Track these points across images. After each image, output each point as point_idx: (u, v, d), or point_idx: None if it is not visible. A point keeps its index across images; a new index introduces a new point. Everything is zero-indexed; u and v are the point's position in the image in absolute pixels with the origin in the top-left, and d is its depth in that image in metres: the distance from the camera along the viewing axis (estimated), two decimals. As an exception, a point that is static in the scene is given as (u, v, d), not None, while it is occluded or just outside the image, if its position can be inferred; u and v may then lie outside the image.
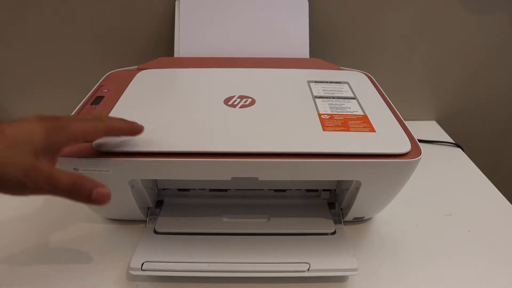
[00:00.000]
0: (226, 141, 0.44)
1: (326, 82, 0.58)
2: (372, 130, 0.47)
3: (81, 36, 0.74)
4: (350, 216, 0.55)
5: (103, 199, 0.34)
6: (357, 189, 0.48)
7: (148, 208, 0.56)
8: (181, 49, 0.70)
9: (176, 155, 0.43)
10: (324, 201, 0.58)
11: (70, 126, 0.36)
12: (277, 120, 0.49)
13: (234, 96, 0.53)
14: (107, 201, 0.35)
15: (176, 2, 0.70)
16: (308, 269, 0.46)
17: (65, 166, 0.44)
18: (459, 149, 0.77)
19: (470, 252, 0.53)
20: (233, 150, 0.43)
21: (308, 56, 0.70)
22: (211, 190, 0.58)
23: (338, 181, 0.55)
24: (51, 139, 0.35)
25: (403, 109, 0.55)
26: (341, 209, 0.56)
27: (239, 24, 0.70)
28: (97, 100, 0.54)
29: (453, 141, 0.79)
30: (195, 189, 0.58)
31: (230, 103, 0.52)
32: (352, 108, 0.52)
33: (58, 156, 0.37)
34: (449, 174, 0.69)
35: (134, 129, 0.43)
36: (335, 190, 0.57)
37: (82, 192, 0.34)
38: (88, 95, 0.55)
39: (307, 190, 0.58)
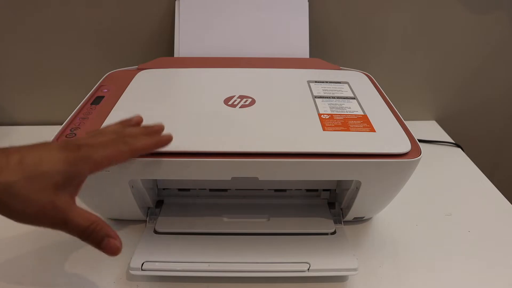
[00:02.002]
0: (226, 141, 0.44)
1: (326, 82, 0.58)
2: (372, 130, 0.47)
3: (81, 36, 0.74)
4: (350, 216, 0.55)
5: (113, 251, 0.34)
6: (357, 189, 0.48)
7: (148, 208, 0.56)
8: (181, 49, 0.70)
9: (176, 155, 0.43)
10: (324, 201, 0.58)
11: (93, 155, 0.34)
12: (277, 120, 0.49)
13: (234, 96, 0.53)
14: (116, 254, 0.34)
15: (176, 2, 0.70)
16: (308, 269, 0.46)
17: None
18: (459, 149, 0.77)
19: (470, 252, 0.53)
20: (233, 150, 0.43)
21: (308, 56, 0.70)
22: (211, 190, 0.58)
23: (338, 181, 0.55)
24: (73, 171, 0.33)
25: (403, 109, 0.55)
26: (341, 209, 0.56)
27: (239, 24, 0.70)
28: (97, 100, 0.54)
29: (453, 141, 0.79)
30: (195, 189, 0.58)
31: (230, 103, 0.52)
32: (352, 108, 0.52)
33: (80, 186, 0.35)
34: (449, 174, 0.69)
35: (160, 143, 0.40)
36: (335, 190, 0.57)
37: (94, 238, 0.33)
38: (88, 95, 0.55)
39: (307, 190, 0.58)
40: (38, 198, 0.31)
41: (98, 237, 0.33)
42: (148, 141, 0.39)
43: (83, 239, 0.33)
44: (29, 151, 0.32)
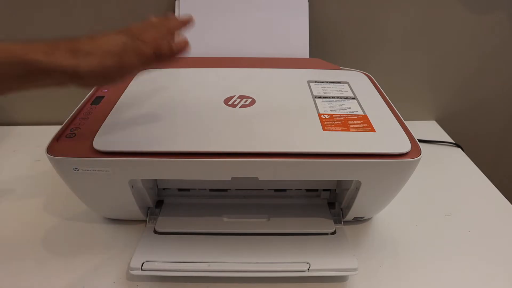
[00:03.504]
0: (226, 141, 0.44)
1: (326, 82, 0.58)
2: (372, 130, 0.47)
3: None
4: (350, 216, 0.55)
5: (183, 46, 0.42)
6: (357, 189, 0.48)
7: (148, 208, 0.56)
8: (181, 49, 0.69)
9: (176, 155, 0.43)
10: (324, 201, 0.58)
11: (143, 36, 0.41)
12: (277, 120, 0.49)
13: (234, 96, 0.53)
14: (187, 47, 0.42)
15: (176, 2, 0.70)
16: (308, 269, 0.46)
17: (65, 166, 0.44)
18: (459, 149, 0.77)
19: (470, 252, 0.53)
20: (233, 150, 0.43)
21: (308, 56, 0.70)
22: (211, 190, 0.58)
23: (338, 181, 0.55)
24: (133, 40, 0.40)
25: (403, 109, 0.55)
26: (341, 209, 0.56)
27: (239, 24, 0.70)
28: (97, 100, 0.54)
29: (453, 141, 0.79)
30: (195, 189, 0.58)
31: (230, 103, 0.52)
32: (352, 108, 0.52)
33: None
34: (449, 174, 0.69)
35: (186, 22, 0.47)
36: (335, 190, 0.57)
37: (164, 49, 0.40)
38: (88, 95, 0.55)
39: (307, 190, 0.58)
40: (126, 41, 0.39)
41: (166, 47, 0.40)
42: (178, 22, 0.46)
43: (158, 58, 0.40)
44: (96, 35, 0.39)
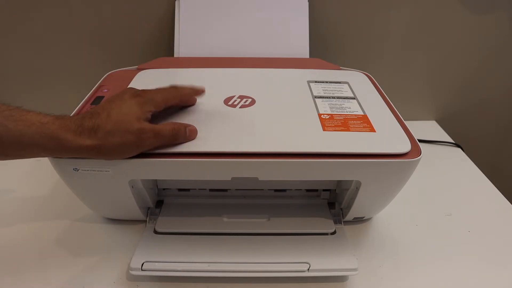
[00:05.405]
0: (226, 141, 0.44)
1: (326, 82, 0.58)
2: (372, 130, 0.47)
3: (81, 36, 0.74)
4: (350, 216, 0.55)
5: (194, 134, 0.45)
6: (357, 189, 0.48)
7: (148, 208, 0.56)
8: (181, 49, 0.70)
9: (176, 155, 0.43)
10: (324, 201, 0.58)
11: (155, 97, 0.45)
12: (277, 120, 0.49)
13: (234, 96, 0.53)
14: (196, 135, 0.45)
15: (176, 2, 0.70)
16: (308, 269, 0.46)
17: (65, 166, 0.44)
18: (459, 149, 0.77)
19: (470, 252, 0.53)
20: (233, 150, 0.43)
21: (308, 56, 0.70)
22: (211, 190, 0.58)
23: (338, 181, 0.55)
24: (144, 110, 0.43)
25: (403, 109, 0.55)
26: (341, 209, 0.56)
27: (239, 24, 0.70)
28: (97, 100, 0.54)
29: (453, 141, 0.79)
30: (195, 189, 0.58)
31: (230, 103, 0.52)
32: (352, 108, 0.52)
33: (150, 118, 0.44)
34: (449, 174, 0.69)
35: (199, 91, 0.50)
36: (335, 190, 0.57)
37: (181, 135, 0.43)
38: (88, 95, 0.55)
39: (307, 190, 0.58)
40: (129, 129, 0.41)
41: (183, 131, 0.44)
42: (191, 89, 0.49)
43: (175, 140, 0.43)
44: (112, 107, 0.42)
